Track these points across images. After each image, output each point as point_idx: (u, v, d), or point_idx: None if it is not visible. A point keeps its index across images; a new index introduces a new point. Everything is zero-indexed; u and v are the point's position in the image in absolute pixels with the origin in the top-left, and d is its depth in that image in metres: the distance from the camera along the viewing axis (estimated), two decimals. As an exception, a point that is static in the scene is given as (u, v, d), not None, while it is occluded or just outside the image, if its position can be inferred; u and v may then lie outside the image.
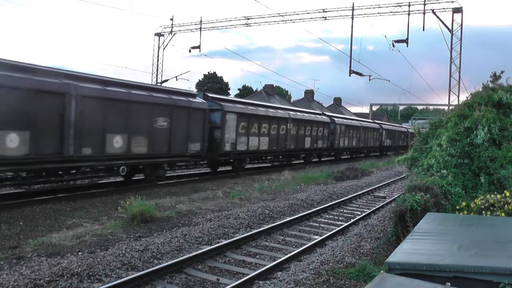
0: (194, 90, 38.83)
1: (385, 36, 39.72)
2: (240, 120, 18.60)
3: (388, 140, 42.83)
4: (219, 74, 62.97)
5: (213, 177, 17.83)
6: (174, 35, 33.95)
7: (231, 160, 19.53)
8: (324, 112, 32.46)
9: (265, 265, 6.96)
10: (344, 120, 32.57)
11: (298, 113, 25.13)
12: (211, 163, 19.53)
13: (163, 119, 14.00)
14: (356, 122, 35.35)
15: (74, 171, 11.95)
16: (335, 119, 30.45)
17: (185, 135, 15.03)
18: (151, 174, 14.58)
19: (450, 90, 26.71)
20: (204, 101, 16.59)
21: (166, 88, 16.34)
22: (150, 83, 29.63)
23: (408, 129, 47.49)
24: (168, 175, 16.54)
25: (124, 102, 12.53)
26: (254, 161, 22.54)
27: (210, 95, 18.35)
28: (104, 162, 12.33)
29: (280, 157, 23.91)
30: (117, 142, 12.38)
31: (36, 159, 10.22)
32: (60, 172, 11.57)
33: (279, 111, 23.21)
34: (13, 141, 9.55)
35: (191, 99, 15.71)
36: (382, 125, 42.61)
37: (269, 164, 24.18)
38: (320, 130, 26.94)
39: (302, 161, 26.80)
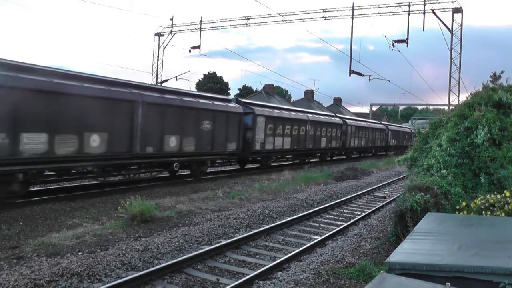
0: (195, 90, 38.82)
1: (385, 36, 39.74)
2: (268, 122, 20.87)
3: (393, 140, 45.06)
4: (219, 74, 63.08)
5: (213, 177, 17.87)
6: (174, 35, 33.96)
7: (259, 158, 21.66)
8: (337, 114, 34.28)
9: (265, 265, 6.96)
10: (355, 122, 34.87)
11: (315, 116, 27.55)
12: (241, 161, 21.48)
13: (208, 122, 16.25)
14: (365, 123, 37.54)
15: (136, 167, 14.17)
16: (347, 120, 32.52)
17: (224, 136, 17.27)
18: (197, 170, 16.78)
19: (450, 90, 26.72)
20: (239, 105, 18.79)
21: (209, 95, 18.61)
22: (150, 83, 29.64)
23: (412, 130, 48.78)
24: (168, 175, 16.83)
25: (178, 108, 14.65)
26: (279, 159, 24.91)
27: (242, 100, 20.66)
28: (162, 159, 14.52)
29: (299, 155, 26.18)
30: (172, 142, 14.55)
31: (111, 156, 12.32)
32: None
33: (299, 113, 25.33)
34: (95, 141, 11.69)
35: (228, 104, 18.02)
36: (388, 126, 45.29)
37: (291, 162, 26.15)
38: (334, 131, 29.21)
39: (318, 159, 29.21)
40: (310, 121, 25.55)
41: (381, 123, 44.28)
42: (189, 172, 16.94)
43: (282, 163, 25.73)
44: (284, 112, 23.61)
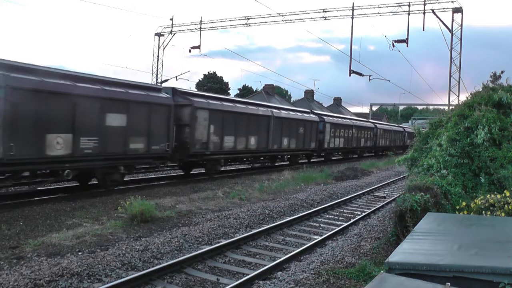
0: (195, 90, 38.83)
1: (385, 36, 39.77)
2: (331, 127, 28.66)
3: (408, 140, 52.51)
4: (219, 74, 63.02)
5: (213, 177, 17.87)
6: (174, 35, 33.94)
7: (323, 154, 29.91)
8: (369, 120, 42.84)
9: (265, 265, 6.96)
10: (382, 125, 43.54)
11: (358, 121, 36.08)
12: (307, 156, 28.29)
13: (302, 128, 24.40)
14: (389, 126, 46.73)
15: (263, 158, 22.12)
16: (377, 124, 40.78)
17: (309, 138, 25.34)
18: (294, 160, 25.12)
19: (450, 90, 26.69)
20: (316, 116, 27.24)
21: (301, 109, 27.42)
22: (151, 83, 29.69)
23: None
24: (168, 175, 17.17)
25: (288, 119, 22.93)
26: (335, 155, 33.99)
27: (314, 111, 29.27)
28: (280, 153, 23.09)
29: (347, 152, 34.48)
30: (285, 142, 22.52)
31: (259, 150, 20.25)
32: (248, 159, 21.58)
33: (348, 120, 33.71)
34: (252, 141, 19.48)
35: (311, 115, 26.65)
36: (405, 128, 52.94)
37: (341, 157, 34.63)
38: (368, 133, 37.04)
39: (357, 155, 36.30)
40: (355, 126, 33.28)
41: (399, 126, 53.09)
42: (288, 162, 24.91)
43: (337, 157, 34.12)
44: (339, 119, 31.77)
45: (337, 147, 30.37)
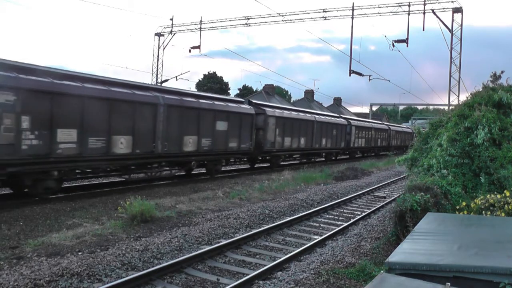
0: (195, 90, 38.86)
1: (385, 36, 39.83)
2: (355, 130, 33.39)
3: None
4: (219, 74, 62.94)
5: (212, 177, 17.89)
6: (174, 35, 33.91)
7: (347, 152, 35.29)
8: (384, 122, 50.04)
9: (265, 265, 6.96)
10: (394, 127, 50.10)
11: (376, 124, 42.37)
12: (335, 154, 32.84)
13: (335, 130, 29.52)
14: (400, 128, 52.95)
15: (299, 155, 27.20)
16: (390, 126, 47.75)
17: (340, 138, 30.55)
18: (328, 156, 30.59)
19: (450, 90, 26.68)
20: (344, 120, 32.35)
21: (333, 114, 33.68)
22: (150, 83, 29.73)
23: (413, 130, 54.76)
24: (168, 175, 17.29)
25: (325, 123, 27.73)
26: (357, 153, 38.77)
27: (343, 116, 35.59)
28: (319, 151, 28.02)
29: (366, 150, 39.86)
30: (323, 142, 27.32)
31: (306, 149, 25.38)
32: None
33: (368, 123, 39.34)
34: (302, 141, 24.26)
35: (341, 120, 32.13)
36: (413, 130, 53.75)
37: (361, 155, 39.01)
38: (383, 134, 43.22)
39: (374, 153, 41.13)
40: (373, 128, 38.86)
41: (408, 128, 58.20)
42: (323, 159, 30.12)
43: (358, 155, 38.29)
44: (362, 122, 37.74)
45: (360, 147, 35.76)
